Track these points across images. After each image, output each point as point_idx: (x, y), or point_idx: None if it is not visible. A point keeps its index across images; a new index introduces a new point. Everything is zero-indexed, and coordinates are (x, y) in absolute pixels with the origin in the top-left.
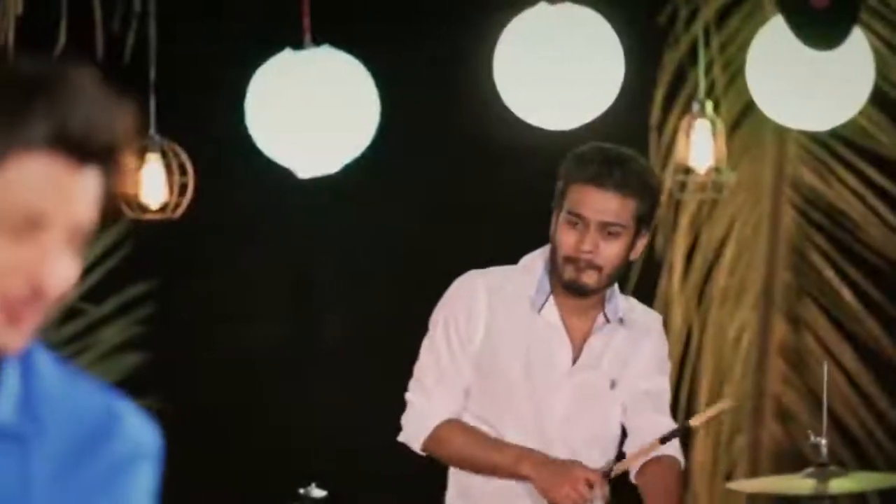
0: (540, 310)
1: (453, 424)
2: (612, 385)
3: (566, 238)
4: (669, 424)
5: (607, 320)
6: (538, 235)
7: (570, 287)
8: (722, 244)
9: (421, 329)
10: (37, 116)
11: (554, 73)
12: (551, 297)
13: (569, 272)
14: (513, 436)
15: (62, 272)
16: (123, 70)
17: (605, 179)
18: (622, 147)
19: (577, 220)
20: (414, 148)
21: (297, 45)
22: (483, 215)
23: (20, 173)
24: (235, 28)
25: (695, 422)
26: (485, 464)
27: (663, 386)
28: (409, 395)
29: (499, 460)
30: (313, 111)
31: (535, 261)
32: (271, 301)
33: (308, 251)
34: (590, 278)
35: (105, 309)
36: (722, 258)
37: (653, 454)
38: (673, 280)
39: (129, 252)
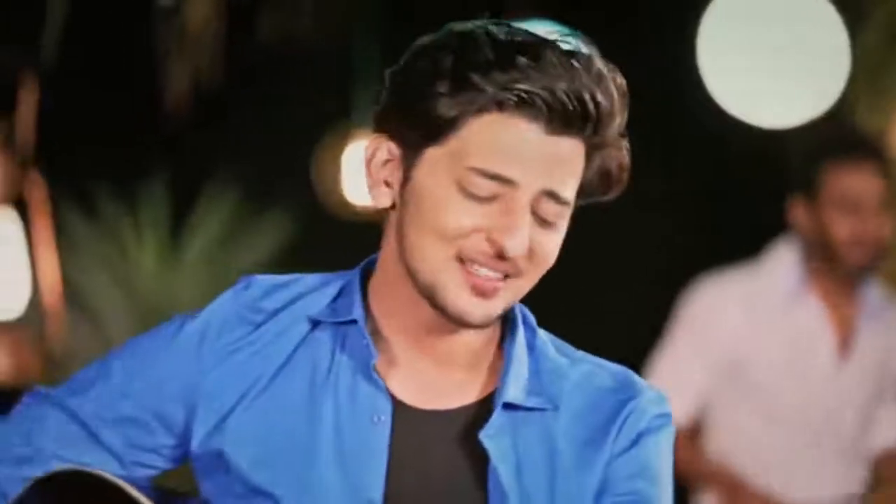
0: (797, 305)
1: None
2: (880, 381)
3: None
4: None
5: (867, 312)
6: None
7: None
8: None
9: None
10: (508, 80)
11: (769, 60)
12: (812, 291)
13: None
14: (773, 438)
15: (520, 239)
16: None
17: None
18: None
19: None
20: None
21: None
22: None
23: (483, 134)
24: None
25: None
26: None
27: None
28: None
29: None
30: None
31: (783, 254)
32: None
33: None
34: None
35: None
36: None
37: None
38: None
39: None
